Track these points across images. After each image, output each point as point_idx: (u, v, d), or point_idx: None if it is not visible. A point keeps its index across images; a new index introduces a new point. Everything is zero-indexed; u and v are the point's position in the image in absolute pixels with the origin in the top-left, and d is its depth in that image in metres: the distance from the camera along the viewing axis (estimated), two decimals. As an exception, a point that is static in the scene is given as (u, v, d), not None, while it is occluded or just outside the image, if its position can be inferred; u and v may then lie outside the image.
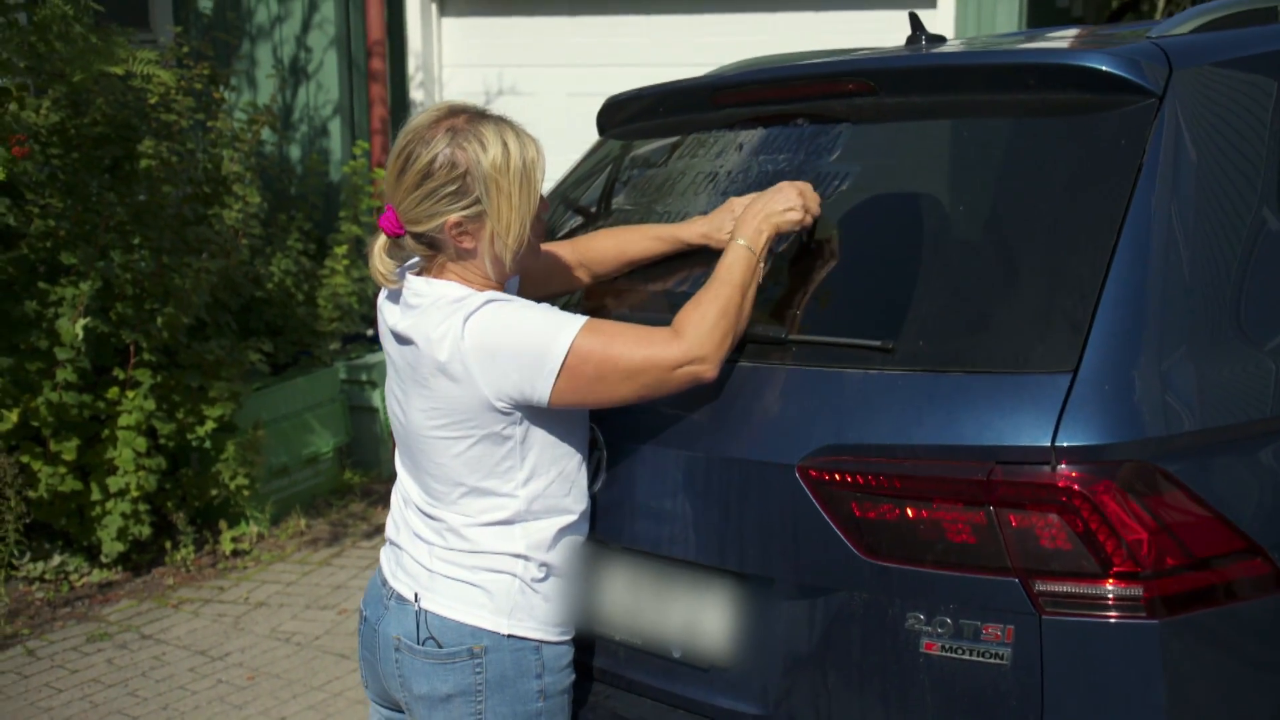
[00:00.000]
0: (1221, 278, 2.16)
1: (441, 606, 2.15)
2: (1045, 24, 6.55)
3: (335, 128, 7.19)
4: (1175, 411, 1.97)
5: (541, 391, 2.03)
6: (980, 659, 1.92)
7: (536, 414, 2.10)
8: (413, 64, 7.31)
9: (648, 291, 2.52)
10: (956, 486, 1.92)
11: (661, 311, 2.36)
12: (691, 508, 2.21)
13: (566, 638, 2.22)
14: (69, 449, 4.91)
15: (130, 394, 5.07)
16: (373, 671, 2.30)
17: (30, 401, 4.85)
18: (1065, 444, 1.86)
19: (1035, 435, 1.88)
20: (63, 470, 4.93)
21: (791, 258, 2.30)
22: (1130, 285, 1.99)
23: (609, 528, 2.32)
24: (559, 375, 2.02)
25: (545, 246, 2.45)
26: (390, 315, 2.18)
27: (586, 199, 2.92)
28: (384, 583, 2.28)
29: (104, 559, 5.13)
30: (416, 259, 2.20)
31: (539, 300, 2.26)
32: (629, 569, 2.36)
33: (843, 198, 2.33)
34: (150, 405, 5.04)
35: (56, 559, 5.15)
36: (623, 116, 2.98)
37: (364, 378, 6.38)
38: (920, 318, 2.09)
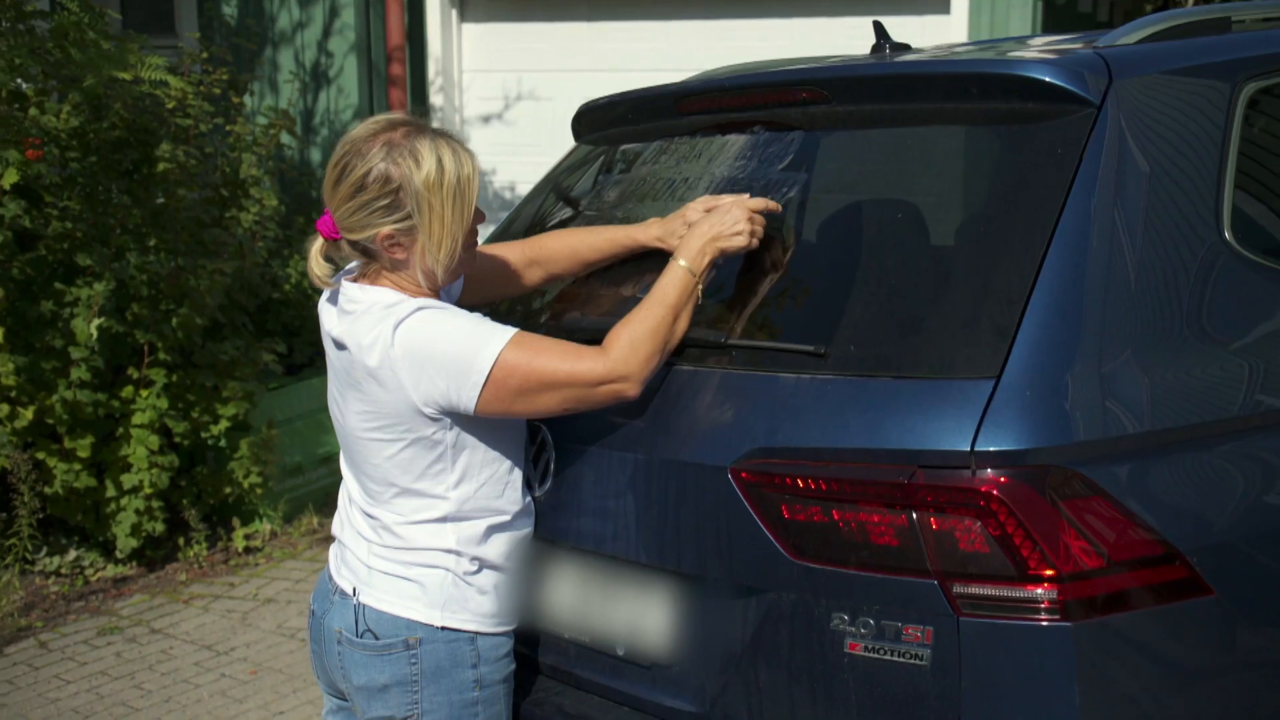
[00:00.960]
0: (1178, 282, 2.18)
1: (377, 600, 2.22)
2: (1063, 29, 6.53)
3: (355, 132, 7.28)
4: (1114, 415, 1.99)
5: (467, 401, 2.09)
6: (901, 659, 1.95)
7: (467, 420, 2.15)
8: (433, 69, 7.40)
9: (606, 296, 2.56)
10: (880, 489, 1.96)
11: (618, 317, 2.40)
12: (634, 508, 2.25)
13: (503, 629, 2.27)
14: (84, 446, 5.03)
15: (144, 393, 5.18)
16: (320, 663, 2.37)
17: (46, 399, 4.97)
18: (984, 449, 1.89)
19: (956, 440, 1.91)
20: (78, 467, 5.05)
21: (735, 263, 2.34)
22: (1061, 292, 2.02)
23: (557, 527, 2.37)
24: (484, 386, 2.07)
25: (495, 248, 2.51)
26: (328, 320, 2.24)
27: (557, 204, 2.97)
28: (330, 578, 2.35)
29: (118, 554, 5.24)
30: (354, 264, 2.26)
31: (488, 301, 2.31)
32: (576, 568, 2.41)
33: (789, 205, 2.37)
34: (164, 404, 5.15)
35: (72, 554, 5.27)
36: (596, 123, 3.03)
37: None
38: (854, 323, 2.13)
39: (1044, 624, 1.87)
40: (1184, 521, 1.98)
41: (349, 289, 2.19)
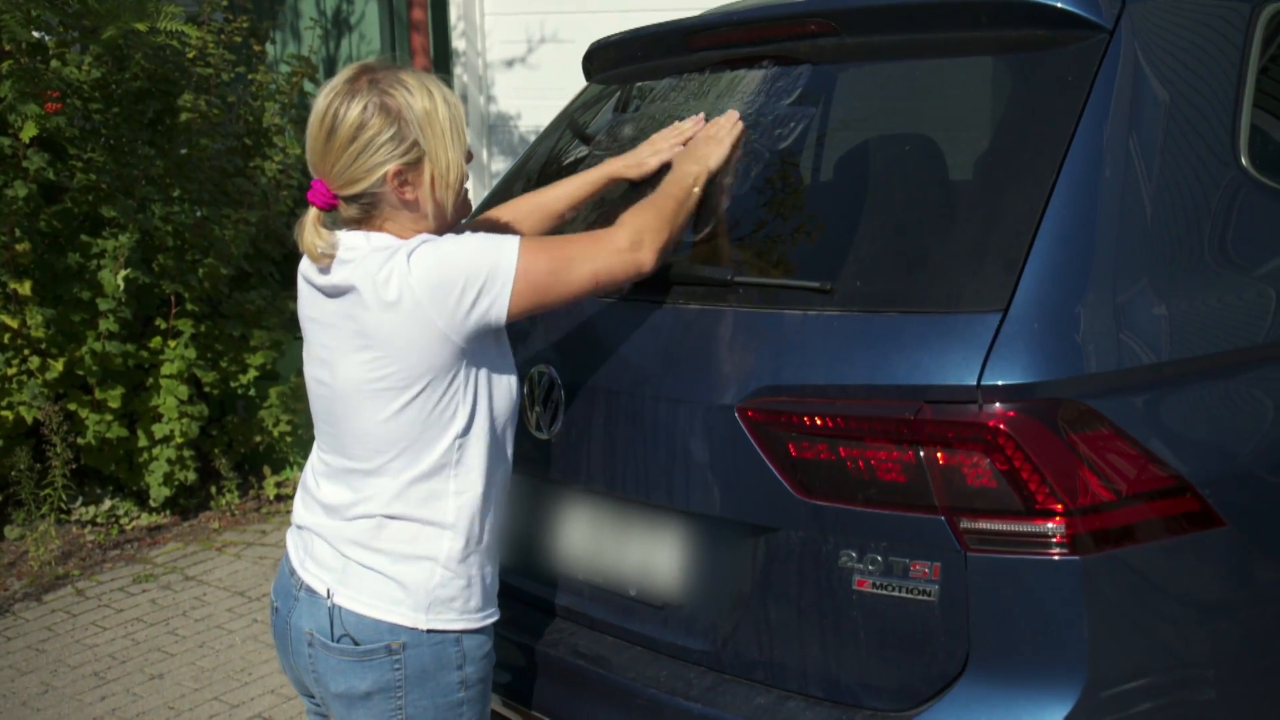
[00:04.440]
0: (1195, 210, 2.13)
1: (357, 603, 2.07)
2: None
3: (379, 78, 7.25)
4: (1128, 347, 1.95)
5: (500, 304, 2.01)
6: (909, 595, 1.94)
7: (478, 356, 2.07)
8: (454, 13, 7.34)
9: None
10: (886, 426, 1.93)
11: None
12: (643, 449, 2.24)
13: (488, 622, 2.15)
14: (114, 397, 5.08)
15: (172, 343, 5.21)
16: (288, 662, 2.22)
17: (75, 351, 5.02)
18: (990, 383, 1.86)
19: (962, 374, 1.89)
20: (109, 418, 5.10)
21: (741, 200, 2.32)
22: (1072, 222, 1.98)
23: (567, 469, 2.37)
24: (515, 279, 2.01)
25: (473, 222, 2.49)
26: (318, 277, 2.09)
27: (571, 142, 2.95)
28: (292, 572, 2.19)
29: (152, 503, 5.31)
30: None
31: None
32: (587, 509, 2.41)
33: (798, 140, 2.33)
34: (192, 354, 5.18)
35: (107, 503, 5.34)
36: (606, 61, 2.99)
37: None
38: (860, 259, 2.10)
39: (1053, 558, 1.85)
40: (1197, 453, 1.95)
41: (348, 237, 2.07)
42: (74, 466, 5.13)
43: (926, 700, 1.94)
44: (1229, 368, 2.08)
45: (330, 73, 7.29)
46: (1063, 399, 1.87)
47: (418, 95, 2.05)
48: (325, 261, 2.06)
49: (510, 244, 2.04)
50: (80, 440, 5.09)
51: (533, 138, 7.25)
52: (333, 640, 2.07)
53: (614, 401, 2.28)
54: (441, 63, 7.41)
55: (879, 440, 1.95)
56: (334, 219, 2.10)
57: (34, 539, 4.90)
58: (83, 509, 5.29)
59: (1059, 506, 1.85)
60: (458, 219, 2.17)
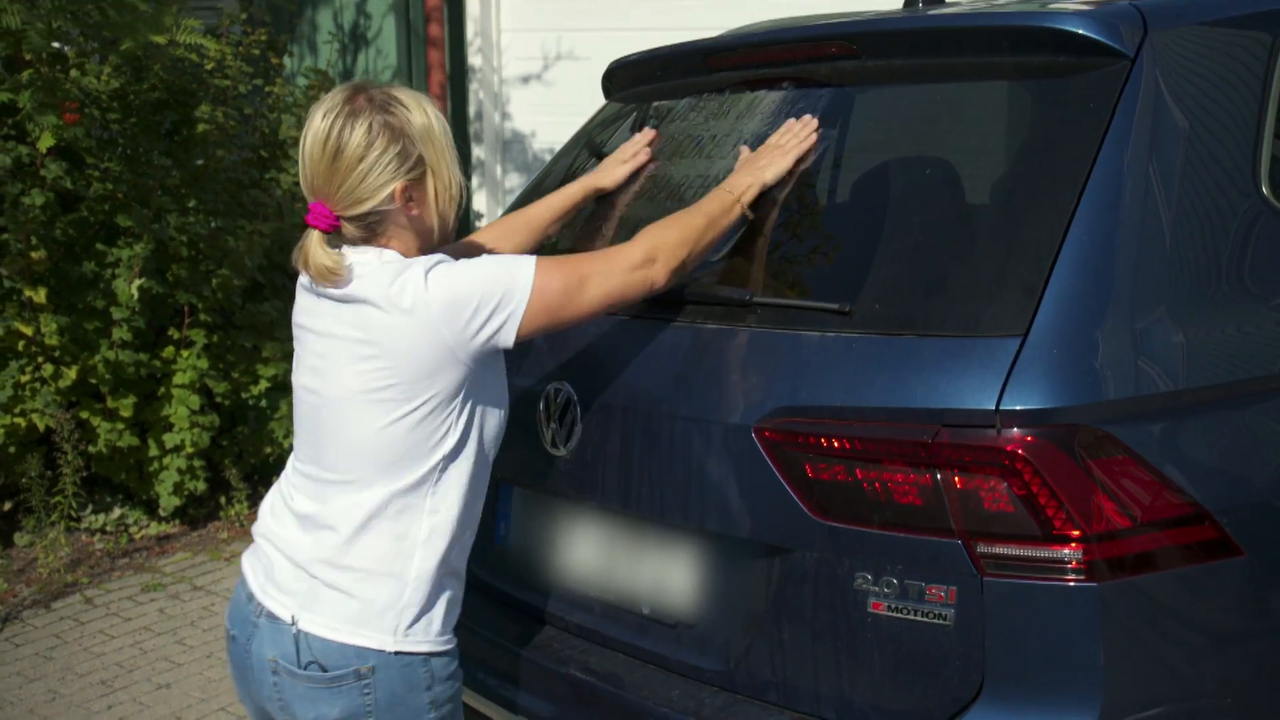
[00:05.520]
0: (1214, 238, 2.13)
1: (323, 628, 2.03)
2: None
3: (394, 93, 7.28)
4: (1146, 374, 1.95)
5: (512, 323, 2.02)
6: (924, 619, 1.93)
7: (478, 380, 2.06)
8: (471, 29, 7.37)
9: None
10: (903, 448, 1.94)
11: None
12: (658, 467, 2.24)
13: (451, 645, 2.13)
14: (126, 405, 5.09)
15: (185, 353, 5.23)
16: (247, 691, 2.17)
17: (89, 359, 5.04)
18: (1009, 408, 1.86)
19: (980, 399, 1.89)
20: (121, 426, 5.11)
21: (760, 220, 2.32)
22: (1091, 248, 1.98)
23: (582, 486, 2.37)
24: (530, 300, 2.02)
25: (464, 241, 2.53)
26: (322, 287, 2.07)
27: (588, 160, 2.96)
28: (250, 598, 2.13)
29: (161, 512, 5.32)
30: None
31: None
32: (601, 526, 2.41)
33: (817, 162, 2.34)
34: (204, 364, 5.20)
35: (117, 512, 5.35)
36: (625, 80, 3.01)
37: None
38: (879, 281, 2.10)
39: (1069, 584, 1.85)
40: (1215, 481, 1.95)
41: (357, 253, 2.06)
42: (84, 474, 5.14)
43: (940, 724, 1.94)
44: (1247, 396, 2.07)
45: (347, 86, 7.32)
46: (1080, 425, 1.88)
47: (415, 112, 2.06)
48: (335, 281, 2.04)
49: (526, 264, 2.06)
50: (91, 448, 5.10)
51: (547, 155, 7.27)
52: (299, 667, 2.04)
53: (630, 419, 2.29)
54: (457, 79, 7.44)
55: (896, 463, 1.95)
56: (337, 240, 2.08)
57: (43, 546, 4.91)
58: (92, 517, 5.30)
59: (1076, 532, 1.85)
60: (450, 236, 2.20)
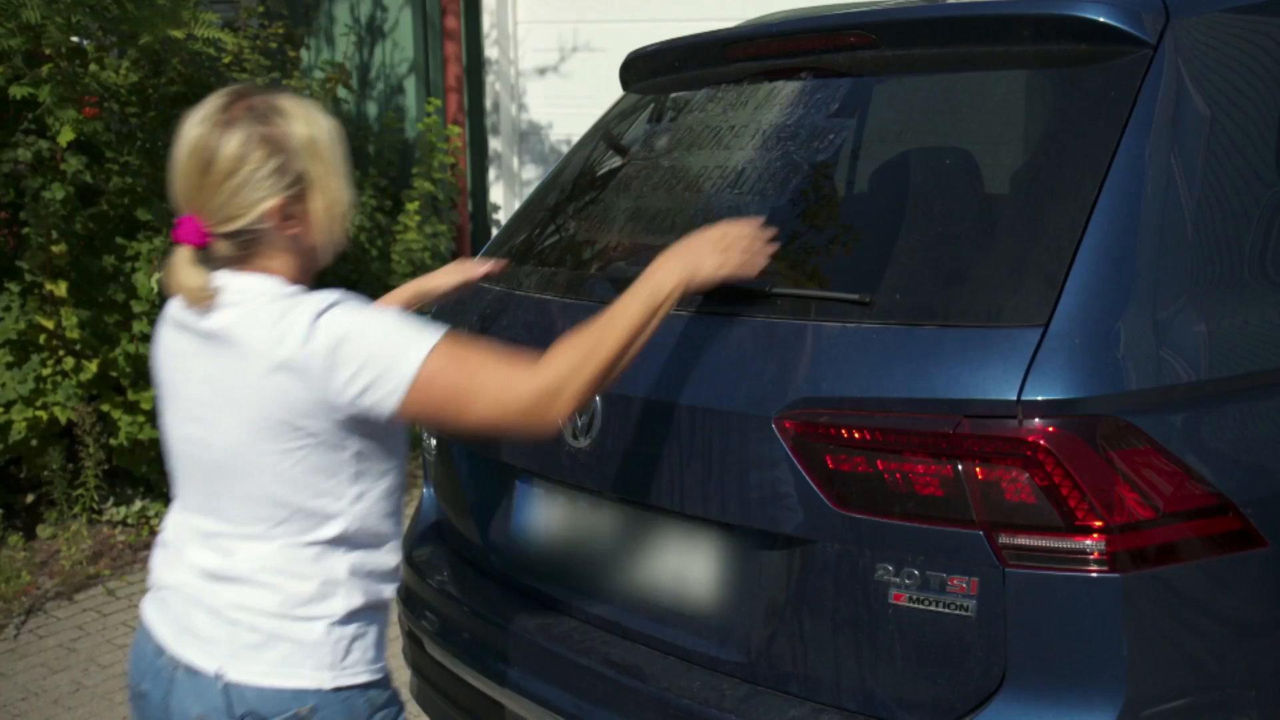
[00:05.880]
0: (1237, 228, 2.12)
1: (255, 675, 1.89)
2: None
3: (410, 85, 7.29)
4: (1168, 364, 1.95)
5: (386, 405, 1.84)
6: (946, 610, 1.93)
7: (375, 425, 1.91)
8: (487, 21, 7.37)
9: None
10: (924, 439, 1.93)
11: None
12: (678, 459, 2.24)
13: (386, 673, 2.02)
14: (146, 398, 5.11)
15: (204, 346, 5.24)
16: None
17: (109, 352, 5.06)
18: (1031, 398, 1.86)
19: (1002, 389, 1.88)
20: (141, 419, 5.14)
21: (779, 210, 2.32)
22: (1113, 238, 1.97)
23: (603, 477, 2.37)
24: (410, 388, 1.83)
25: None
26: (198, 321, 1.90)
27: (606, 152, 2.96)
28: (160, 651, 1.97)
29: (182, 505, 5.34)
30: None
31: None
32: (622, 518, 2.41)
33: (835, 152, 2.34)
34: (223, 358, 5.21)
35: (138, 504, 5.38)
36: (643, 71, 3.00)
37: (436, 331, 6.51)
38: (899, 271, 2.09)
39: (1092, 575, 1.85)
40: (1239, 472, 1.94)
41: (234, 279, 1.89)
42: (106, 467, 5.17)
43: (962, 716, 1.93)
44: (1270, 386, 2.06)
45: (364, 79, 7.33)
46: (1103, 415, 1.87)
47: (299, 123, 1.89)
48: (205, 303, 1.88)
49: (423, 344, 1.84)
50: (112, 441, 5.13)
51: (564, 146, 7.27)
52: None
53: (650, 410, 2.29)
54: (474, 71, 7.44)
55: (917, 454, 1.94)
56: (208, 258, 1.90)
57: (66, 538, 4.94)
58: (114, 509, 5.32)
59: (1098, 523, 1.84)
60: (335, 253, 2.01)
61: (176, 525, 2.02)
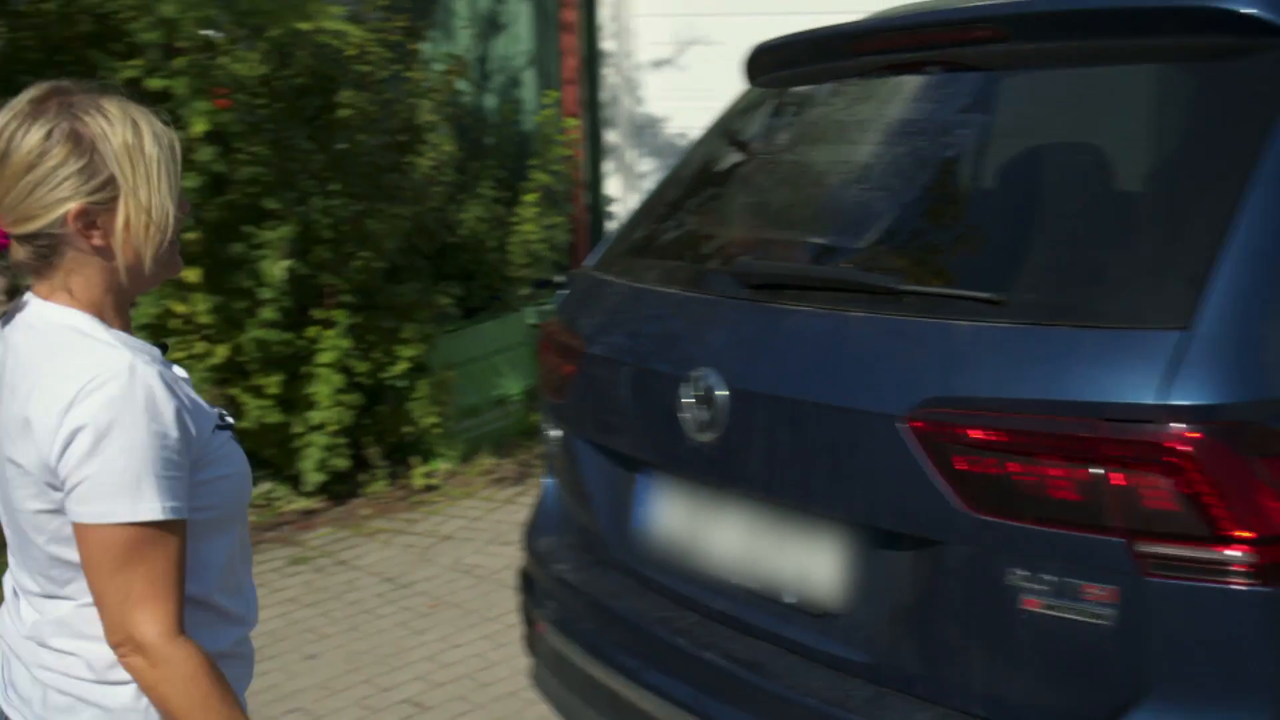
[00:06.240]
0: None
1: None
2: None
3: (528, 78, 7.36)
4: (1315, 370, 1.88)
5: (74, 515, 1.67)
6: (1081, 618, 1.89)
7: None
8: (605, 14, 7.40)
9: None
10: (1060, 442, 1.89)
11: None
12: (804, 456, 2.23)
13: None
14: (273, 383, 5.25)
15: (328, 333, 5.36)
16: None
17: (237, 338, 5.20)
18: (1173, 403, 1.81)
19: (1143, 393, 1.83)
20: (268, 403, 5.28)
21: (906, 207, 2.29)
22: (1261, 238, 1.91)
23: (726, 473, 2.37)
24: (97, 525, 1.65)
25: None
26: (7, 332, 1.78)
27: (729, 147, 2.95)
28: None
29: (305, 488, 5.47)
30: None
31: None
32: (745, 514, 2.41)
33: (967, 148, 2.30)
34: (346, 344, 5.33)
35: (265, 485, 5.52)
36: (768, 64, 2.98)
37: (552, 322, 6.58)
38: (1033, 270, 2.06)
39: (1239, 588, 1.79)
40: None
41: (36, 304, 1.76)
42: (236, 449, 5.31)
43: (1096, 727, 1.90)
44: None
45: (482, 73, 7.41)
46: (1248, 422, 1.81)
47: (119, 125, 1.72)
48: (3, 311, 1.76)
49: (144, 506, 1.65)
50: (240, 424, 5.27)
51: (680, 140, 7.26)
52: None
53: (774, 407, 2.28)
54: (591, 64, 7.47)
55: (1052, 457, 1.90)
56: (5, 262, 1.75)
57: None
58: (242, 491, 5.47)
59: (1246, 534, 1.78)
60: (160, 277, 1.82)
61: (11, 576, 1.90)
